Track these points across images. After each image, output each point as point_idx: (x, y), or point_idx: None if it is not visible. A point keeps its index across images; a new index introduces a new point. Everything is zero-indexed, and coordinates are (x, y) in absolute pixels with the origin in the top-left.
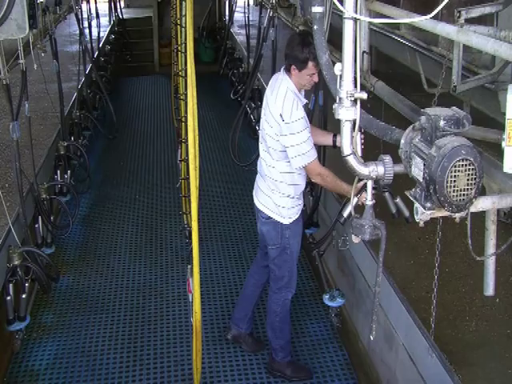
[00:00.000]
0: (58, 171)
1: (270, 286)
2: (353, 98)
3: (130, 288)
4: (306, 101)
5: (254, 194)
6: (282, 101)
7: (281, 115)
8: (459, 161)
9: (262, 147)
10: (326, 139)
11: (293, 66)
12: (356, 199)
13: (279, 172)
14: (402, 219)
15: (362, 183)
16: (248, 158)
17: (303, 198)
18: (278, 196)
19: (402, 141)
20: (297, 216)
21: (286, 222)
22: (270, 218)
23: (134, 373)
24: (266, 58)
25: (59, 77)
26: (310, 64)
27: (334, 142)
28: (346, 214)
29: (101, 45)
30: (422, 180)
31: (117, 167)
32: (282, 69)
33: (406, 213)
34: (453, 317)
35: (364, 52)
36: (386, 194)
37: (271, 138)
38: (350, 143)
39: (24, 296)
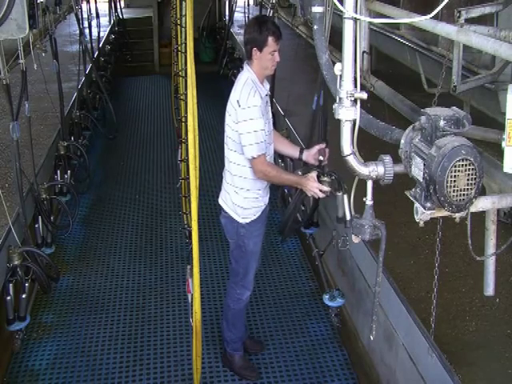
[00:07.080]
0: (58, 171)
1: (229, 279)
2: (353, 98)
3: (130, 288)
4: (266, 91)
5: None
6: (240, 87)
7: (237, 101)
8: (459, 161)
9: (225, 144)
10: (293, 151)
11: (254, 49)
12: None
13: (236, 164)
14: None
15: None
16: None
17: (268, 194)
18: (233, 192)
19: (402, 141)
20: (254, 217)
21: (241, 221)
22: (227, 213)
23: (134, 373)
24: None
25: (59, 77)
26: (270, 39)
27: (301, 157)
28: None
29: (101, 45)
30: (422, 180)
31: (117, 167)
32: (245, 61)
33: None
34: (453, 317)
35: (364, 52)
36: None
37: (229, 127)
38: (350, 143)
39: (24, 296)
